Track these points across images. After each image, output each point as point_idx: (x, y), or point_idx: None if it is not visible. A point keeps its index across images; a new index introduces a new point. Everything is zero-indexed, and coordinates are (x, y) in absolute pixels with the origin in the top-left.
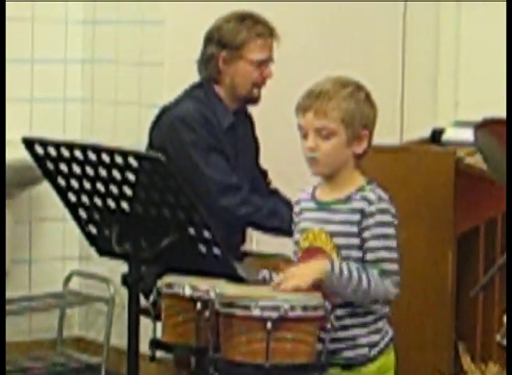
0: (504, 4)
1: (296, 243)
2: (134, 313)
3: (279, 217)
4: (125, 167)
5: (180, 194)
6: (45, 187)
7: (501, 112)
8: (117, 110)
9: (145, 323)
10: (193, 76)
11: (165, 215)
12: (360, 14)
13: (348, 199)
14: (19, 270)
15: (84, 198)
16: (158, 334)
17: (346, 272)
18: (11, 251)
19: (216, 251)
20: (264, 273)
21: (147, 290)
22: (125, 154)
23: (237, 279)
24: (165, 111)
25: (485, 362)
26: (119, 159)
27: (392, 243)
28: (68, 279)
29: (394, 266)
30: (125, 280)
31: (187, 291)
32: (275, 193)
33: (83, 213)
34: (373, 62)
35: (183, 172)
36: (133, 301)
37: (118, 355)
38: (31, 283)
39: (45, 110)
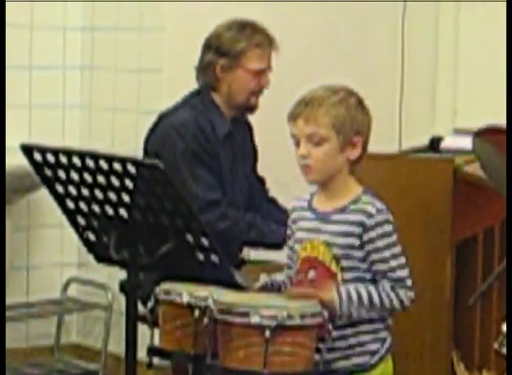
0: (504, 8)
1: (294, 251)
2: (132, 320)
3: (257, 230)
4: (123, 174)
5: (178, 201)
6: (44, 193)
7: (500, 120)
8: (116, 117)
9: (143, 329)
10: (193, 83)
11: (164, 222)
12: (358, 22)
13: (345, 209)
14: (17, 277)
15: (82, 205)
16: (156, 341)
17: (354, 294)
18: (9, 258)
19: (214, 258)
20: (264, 277)
21: (144, 297)
22: (123, 161)
23: (235, 286)
24: (161, 118)
25: (482, 370)
26: (117, 166)
27: (398, 249)
28: (66, 285)
29: (405, 272)
30: (123, 287)
31: (185, 298)
32: (272, 202)
33: (81, 220)
34: (372, 69)
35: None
36: (130, 308)
37: (116, 361)
38: (29, 289)
39: (44, 117)
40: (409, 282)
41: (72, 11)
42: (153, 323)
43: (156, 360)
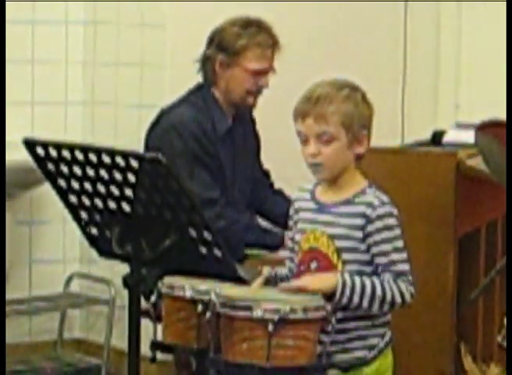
0: (505, 3)
1: (295, 242)
2: (135, 315)
3: (254, 232)
4: (126, 168)
5: (181, 195)
6: (46, 188)
7: (501, 114)
8: (118, 112)
9: (146, 324)
10: (195, 78)
11: (166, 216)
12: (360, 17)
13: (349, 202)
14: (19, 272)
15: (85, 200)
16: (159, 336)
17: (358, 283)
18: (11, 253)
19: (217, 252)
20: (267, 269)
21: (147, 291)
22: (126, 155)
23: (238, 280)
24: (163, 114)
25: (485, 363)
26: (119, 160)
27: (401, 243)
28: (68, 280)
29: (406, 266)
30: (126, 282)
31: (188, 293)
32: (279, 193)
33: (83, 214)
34: (374, 64)
35: None
36: (133, 302)
37: (118, 356)
38: (32, 284)
39: (47, 112)
40: (410, 277)
41: (73, 6)
42: (156, 318)
43: (159, 355)
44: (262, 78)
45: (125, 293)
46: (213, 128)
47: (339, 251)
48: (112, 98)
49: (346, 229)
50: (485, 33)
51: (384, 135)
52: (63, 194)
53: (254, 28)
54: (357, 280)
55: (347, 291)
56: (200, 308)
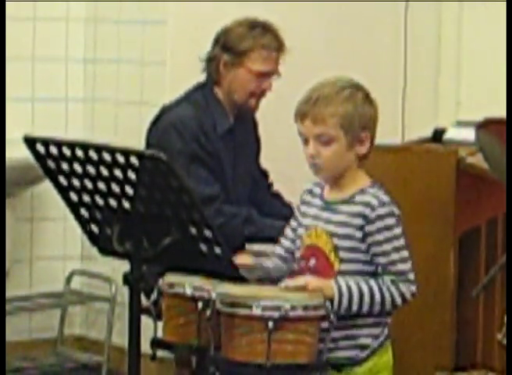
0: (505, 3)
1: (298, 236)
2: (135, 312)
3: (253, 225)
4: (126, 166)
5: (181, 192)
6: (47, 186)
7: (502, 112)
8: (119, 109)
9: (146, 322)
10: (196, 76)
11: (167, 214)
12: (361, 15)
13: (349, 201)
14: (20, 269)
15: (86, 197)
16: (159, 334)
17: (355, 289)
18: (12, 250)
19: (217, 250)
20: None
21: (148, 289)
22: (126, 153)
23: (238, 278)
24: (164, 112)
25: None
26: (120, 158)
27: (401, 243)
28: (69, 278)
29: (407, 265)
30: (126, 280)
31: (188, 291)
32: (276, 196)
33: (84, 212)
34: (375, 62)
35: None
36: (134, 300)
37: (119, 354)
38: (32, 282)
39: (47, 109)
40: (411, 275)
41: (74, 3)
42: (156, 316)
43: (159, 352)
44: (266, 81)
45: (125, 290)
46: (213, 127)
47: (337, 249)
48: (113, 95)
49: (345, 228)
50: (485, 30)
51: (384, 133)
52: (64, 191)
53: (260, 30)
54: (355, 288)
55: (344, 301)
56: (200, 305)
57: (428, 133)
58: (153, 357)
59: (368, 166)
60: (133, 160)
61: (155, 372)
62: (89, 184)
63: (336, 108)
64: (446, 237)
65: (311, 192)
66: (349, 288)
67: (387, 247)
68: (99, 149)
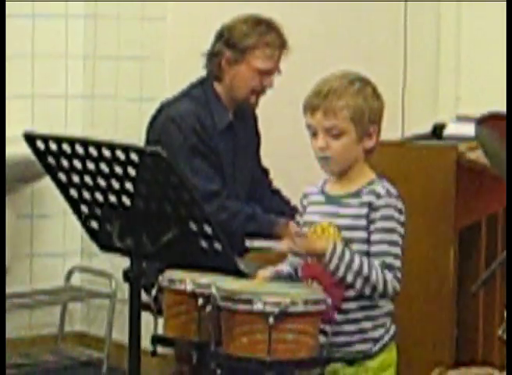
0: None
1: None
2: (136, 308)
3: (256, 222)
4: (126, 162)
5: (181, 189)
6: (47, 182)
7: (502, 107)
8: (118, 105)
9: (147, 318)
10: (195, 72)
11: (167, 210)
12: (361, 11)
13: (358, 193)
14: (20, 265)
15: (85, 193)
16: (160, 329)
17: (347, 254)
18: (12, 247)
19: (217, 246)
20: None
21: (148, 285)
22: (126, 149)
23: (238, 274)
24: (163, 108)
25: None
26: (120, 154)
27: (397, 238)
28: (69, 274)
29: (397, 262)
30: (126, 276)
31: (189, 286)
32: (276, 193)
33: (84, 208)
34: (374, 56)
35: None
36: (134, 296)
37: (119, 350)
38: (33, 278)
39: (47, 106)
40: (398, 273)
41: None
42: (157, 311)
43: (160, 348)
44: (267, 78)
45: (126, 287)
46: (213, 122)
47: (348, 242)
48: (113, 91)
49: (353, 219)
50: (485, 25)
51: (384, 128)
52: (63, 187)
53: (264, 27)
54: (347, 252)
55: (335, 259)
56: (200, 301)
57: (427, 128)
58: (153, 353)
59: (367, 162)
60: (133, 156)
61: (156, 368)
62: (89, 181)
63: (347, 102)
64: (446, 232)
65: (308, 195)
66: (342, 250)
67: (383, 236)
68: (99, 145)
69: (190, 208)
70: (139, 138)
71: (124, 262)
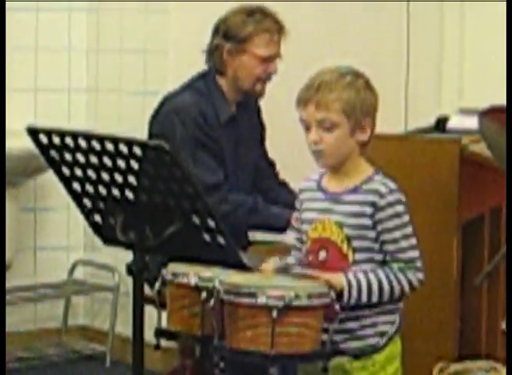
0: None
1: (302, 232)
2: (139, 302)
3: (259, 214)
4: (129, 156)
5: (184, 182)
6: (50, 176)
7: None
8: (122, 99)
9: (150, 311)
10: (198, 65)
11: (170, 203)
12: (364, 3)
13: (357, 190)
14: (24, 259)
15: (88, 187)
16: (163, 323)
17: (363, 282)
18: (16, 241)
19: (220, 239)
20: (276, 260)
21: (151, 278)
22: (129, 142)
23: (242, 267)
24: (165, 101)
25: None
26: (123, 148)
27: (409, 230)
28: (73, 268)
29: (415, 253)
30: (129, 269)
31: (192, 280)
32: (283, 185)
33: (87, 202)
34: (378, 50)
35: None
36: (137, 289)
37: (123, 343)
38: (36, 272)
39: (50, 99)
40: (419, 263)
41: None
42: (160, 305)
43: (163, 342)
44: (271, 64)
45: (129, 280)
46: (215, 115)
47: (349, 239)
48: (116, 85)
49: (354, 217)
50: (488, 18)
51: (387, 122)
52: (67, 181)
53: (259, 15)
54: (363, 279)
55: (354, 293)
56: (204, 295)
57: (431, 121)
58: (157, 346)
59: (370, 155)
60: (136, 150)
61: (159, 361)
62: (92, 174)
63: (338, 94)
64: (450, 225)
65: (305, 190)
66: (358, 280)
67: (397, 234)
68: (102, 139)
69: (193, 201)
70: (142, 132)
71: (127, 256)
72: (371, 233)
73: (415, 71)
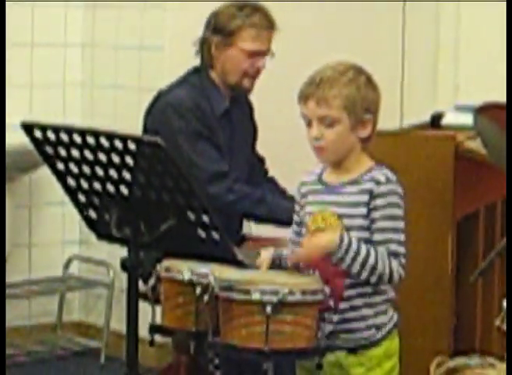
0: None
1: (303, 225)
2: (133, 298)
3: (265, 206)
4: (124, 151)
5: (179, 178)
6: (45, 171)
7: (501, 96)
8: (117, 94)
9: (144, 307)
10: (194, 61)
11: (165, 199)
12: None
13: (357, 181)
14: (19, 254)
15: (83, 183)
16: (158, 319)
17: (354, 245)
18: (11, 236)
19: (215, 235)
20: (270, 251)
21: (146, 274)
22: (124, 138)
23: (236, 263)
24: (159, 96)
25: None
26: (118, 144)
27: (400, 224)
28: (68, 263)
29: (401, 248)
30: (124, 265)
31: (186, 276)
32: (271, 181)
33: (82, 198)
34: (373, 46)
35: None
36: (132, 285)
37: (117, 339)
38: (31, 267)
39: (45, 95)
40: (403, 260)
41: None
42: (154, 301)
43: (158, 338)
44: (259, 60)
45: (124, 276)
46: (210, 108)
47: (348, 230)
48: (112, 80)
49: (352, 207)
50: (484, 14)
51: (383, 117)
52: (62, 177)
53: (249, 9)
54: (355, 242)
55: (343, 248)
56: (198, 291)
57: (426, 118)
58: (151, 342)
59: (366, 151)
60: (131, 146)
61: (154, 357)
62: (87, 170)
63: (339, 90)
64: (445, 221)
65: (306, 183)
66: (349, 239)
67: (387, 224)
68: (97, 135)
69: (187, 197)
70: (137, 128)
71: (122, 252)
72: (364, 222)
73: (411, 68)
